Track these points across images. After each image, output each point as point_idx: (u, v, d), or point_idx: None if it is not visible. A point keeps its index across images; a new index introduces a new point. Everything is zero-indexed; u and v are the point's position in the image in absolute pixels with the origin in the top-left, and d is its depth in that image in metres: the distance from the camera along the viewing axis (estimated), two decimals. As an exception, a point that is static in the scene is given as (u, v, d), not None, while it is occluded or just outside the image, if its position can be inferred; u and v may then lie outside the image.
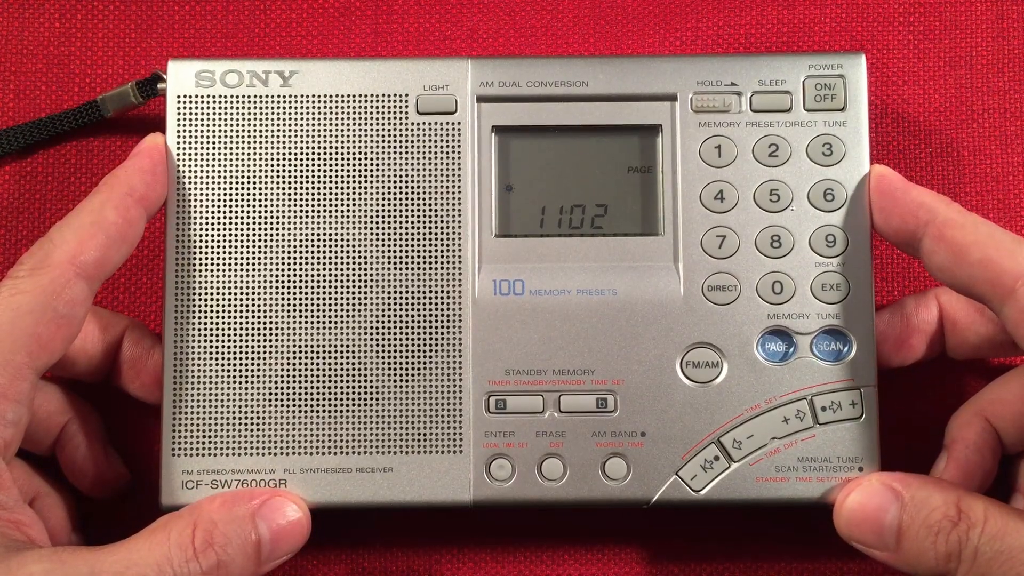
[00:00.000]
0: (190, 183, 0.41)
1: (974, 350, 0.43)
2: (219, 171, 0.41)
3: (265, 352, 0.41)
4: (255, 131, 0.42)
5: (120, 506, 0.44)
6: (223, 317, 0.41)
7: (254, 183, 0.41)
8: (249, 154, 0.42)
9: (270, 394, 0.41)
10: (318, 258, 0.41)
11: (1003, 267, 0.37)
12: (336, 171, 0.42)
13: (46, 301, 0.37)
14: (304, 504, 0.39)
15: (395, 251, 0.41)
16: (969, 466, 0.42)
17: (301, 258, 0.41)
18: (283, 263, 0.41)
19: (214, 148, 0.41)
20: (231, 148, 0.42)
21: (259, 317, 0.41)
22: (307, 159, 0.42)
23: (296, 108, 0.42)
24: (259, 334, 0.41)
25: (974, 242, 0.38)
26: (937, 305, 0.43)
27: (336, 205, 0.41)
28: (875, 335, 0.41)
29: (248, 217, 0.41)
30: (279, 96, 0.42)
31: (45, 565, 0.34)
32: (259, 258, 0.41)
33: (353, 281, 0.41)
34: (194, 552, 0.35)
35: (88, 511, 0.44)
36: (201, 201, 0.41)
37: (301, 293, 0.41)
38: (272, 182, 0.41)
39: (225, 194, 0.41)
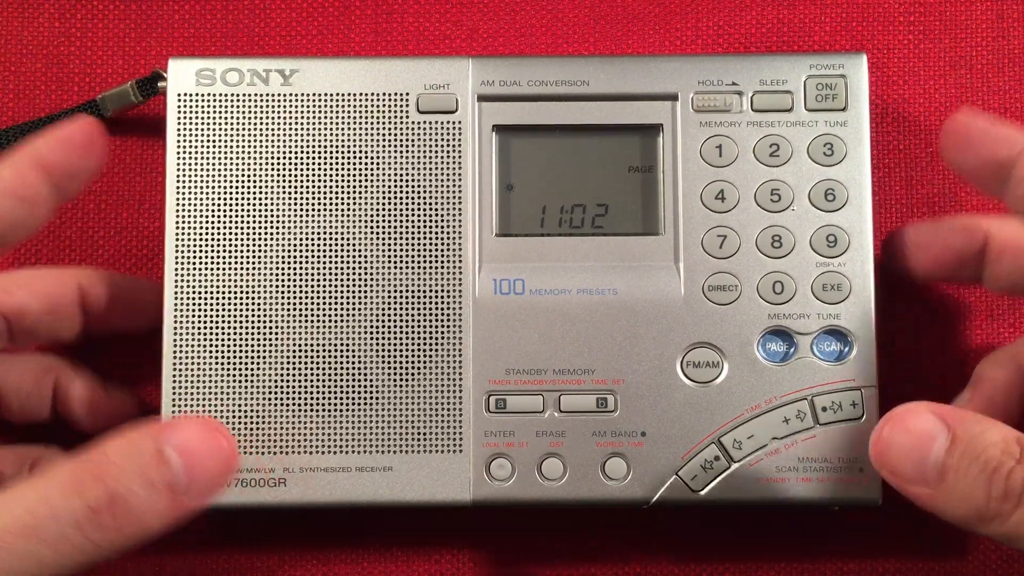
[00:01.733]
0: (190, 181, 0.41)
1: (1018, 283, 0.40)
2: (219, 169, 0.41)
3: (265, 351, 0.41)
4: (255, 129, 0.42)
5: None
6: (223, 316, 0.41)
7: (254, 181, 0.41)
8: (249, 152, 0.41)
9: (270, 393, 0.41)
10: (318, 257, 0.41)
11: None
12: (336, 170, 0.42)
13: None
14: (226, 429, 0.35)
15: (395, 250, 0.41)
16: (993, 406, 0.40)
17: (301, 257, 0.41)
18: (283, 262, 0.41)
19: (214, 146, 0.41)
20: (231, 146, 0.41)
21: (259, 316, 0.41)
22: (307, 158, 0.42)
23: (297, 107, 0.42)
24: (259, 333, 0.41)
25: None
26: (983, 231, 0.41)
27: (336, 204, 0.41)
28: (907, 242, 0.41)
29: (248, 216, 0.41)
30: (280, 95, 0.42)
31: None
32: (259, 257, 0.41)
33: (353, 280, 0.41)
34: (76, 486, 0.31)
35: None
36: (201, 200, 0.41)
37: (301, 292, 0.41)
38: (272, 181, 0.41)
39: (225, 193, 0.41)
